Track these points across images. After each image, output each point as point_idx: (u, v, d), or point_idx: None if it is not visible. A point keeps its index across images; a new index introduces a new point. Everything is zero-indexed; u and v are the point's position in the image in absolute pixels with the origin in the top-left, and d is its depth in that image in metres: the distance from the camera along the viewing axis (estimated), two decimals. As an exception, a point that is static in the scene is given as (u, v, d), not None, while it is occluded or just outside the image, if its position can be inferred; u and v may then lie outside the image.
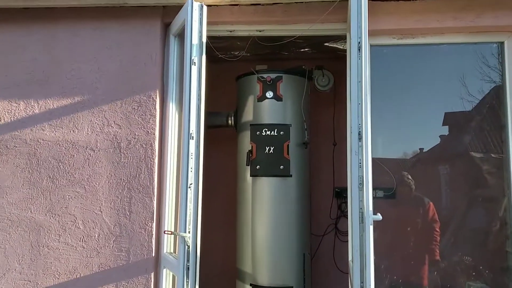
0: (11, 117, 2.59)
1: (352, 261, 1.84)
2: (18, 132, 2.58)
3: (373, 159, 2.21)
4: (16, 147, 2.57)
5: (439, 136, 2.96)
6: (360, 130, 1.88)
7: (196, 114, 2.17)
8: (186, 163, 2.14)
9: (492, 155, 2.76)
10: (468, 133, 2.90)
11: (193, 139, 2.15)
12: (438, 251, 2.74)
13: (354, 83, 1.95)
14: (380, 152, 2.85)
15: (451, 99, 2.88)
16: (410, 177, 2.83)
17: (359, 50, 1.96)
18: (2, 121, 2.59)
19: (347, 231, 2.78)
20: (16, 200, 2.53)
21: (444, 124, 2.90)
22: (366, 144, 1.88)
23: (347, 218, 3.24)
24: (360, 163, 1.86)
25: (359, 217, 1.82)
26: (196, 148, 2.16)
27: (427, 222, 2.79)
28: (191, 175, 2.13)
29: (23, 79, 2.61)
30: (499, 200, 2.68)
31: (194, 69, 2.18)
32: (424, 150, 2.96)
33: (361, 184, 1.85)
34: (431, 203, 2.80)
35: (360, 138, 1.87)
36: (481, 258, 2.67)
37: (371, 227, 1.82)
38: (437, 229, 2.75)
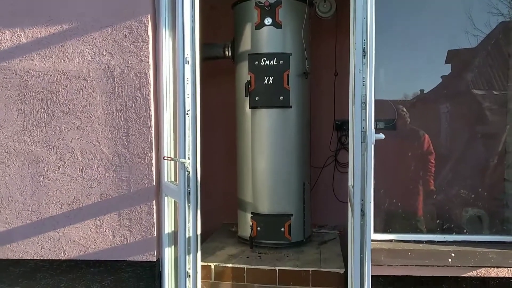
0: (-3, 47, 2.47)
1: (353, 182, 1.83)
2: (7, 63, 2.47)
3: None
4: (6, 78, 2.47)
5: (441, 77, 2.87)
6: (365, 46, 1.78)
7: (190, 37, 2.05)
8: (182, 89, 2.06)
9: (494, 92, 2.72)
10: (471, 70, 2.82)
11: (188, 63, 2.05)
12: (432, 181, 2.78)
13: (359, -4, 1.81)
14: (381, 94, 2.77)
15: (455, 33, 2.76)
16: (405, 109, 2.81)
17: (364, -41, 1.80)
18: (-12, 52, 2.47)
19: (347, 162, 2.78)
20: (12, 133, 2.49)
21: (447, 62, 2.81)
22: (370, 61, 1.79)
23: (347, 150, 3.25)
24: (363, 81, 1.78)
25: (361, 137, 1.78)
26: (192, 73, 2.07)
27: (422, 154, 2.79)
28: (188, 101, 2.06)
29: (6, 7, 2.45)
30: (500, 134, 2.68)
31: (187, -14, 2.03)
32: (425, 91, 2.89)
33: (364, 103, 1.79)
34: (426, 135, 2.80)
35: (364, 55, 1.78)
36: (479, 186, 2.71)
37: (373, 147, 1.79)
38: (432, 161, 2.78)
